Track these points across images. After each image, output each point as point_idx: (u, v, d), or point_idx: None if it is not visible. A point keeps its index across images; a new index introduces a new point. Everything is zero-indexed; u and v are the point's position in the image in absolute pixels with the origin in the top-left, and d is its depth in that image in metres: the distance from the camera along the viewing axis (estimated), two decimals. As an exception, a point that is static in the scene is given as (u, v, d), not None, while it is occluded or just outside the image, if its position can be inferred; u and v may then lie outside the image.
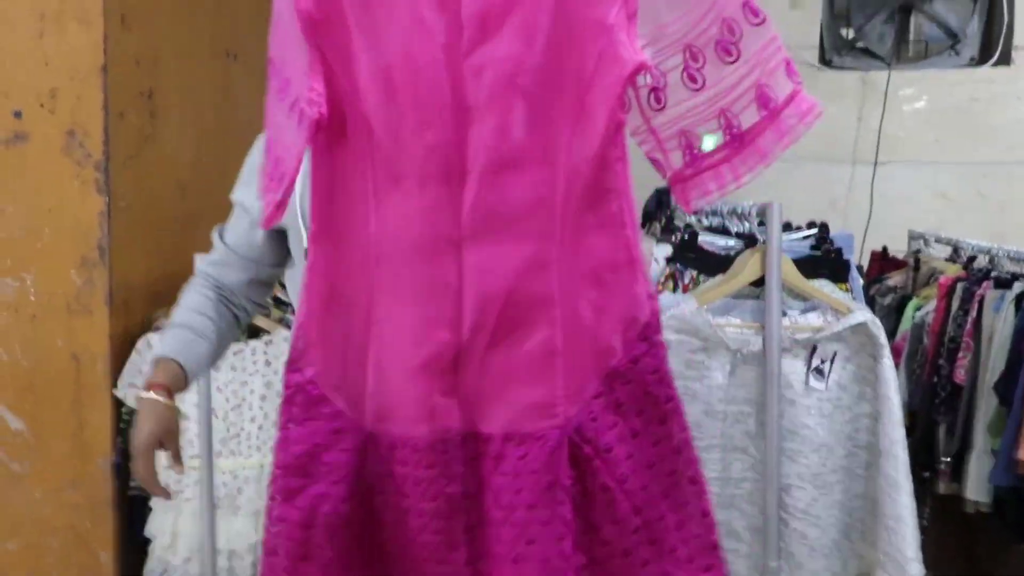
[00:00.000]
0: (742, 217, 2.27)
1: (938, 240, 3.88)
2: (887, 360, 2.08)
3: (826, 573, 2.15)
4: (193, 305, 1.93)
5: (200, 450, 2.58)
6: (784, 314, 2.10)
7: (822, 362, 2.09)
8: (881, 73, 4.79)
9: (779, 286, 2.06)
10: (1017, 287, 2.96)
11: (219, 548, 2.65)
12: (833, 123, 4.81)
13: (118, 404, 2.83)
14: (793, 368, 2.11)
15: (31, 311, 2.83)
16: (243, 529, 2.70)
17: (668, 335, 2.09)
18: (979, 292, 3.08)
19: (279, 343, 2.72)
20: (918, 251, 3.83)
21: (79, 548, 2.85)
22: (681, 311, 2.08)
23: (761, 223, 2.21)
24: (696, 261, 2.27)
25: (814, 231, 2.29)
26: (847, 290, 2.21)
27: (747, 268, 2.11)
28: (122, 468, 2.81)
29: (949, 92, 4.80)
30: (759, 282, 2.11)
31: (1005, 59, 4.76)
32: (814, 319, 2.11)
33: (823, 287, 2.16)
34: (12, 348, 2.84)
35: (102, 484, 2.84)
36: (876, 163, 4.78)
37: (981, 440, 2.93)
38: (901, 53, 4.86)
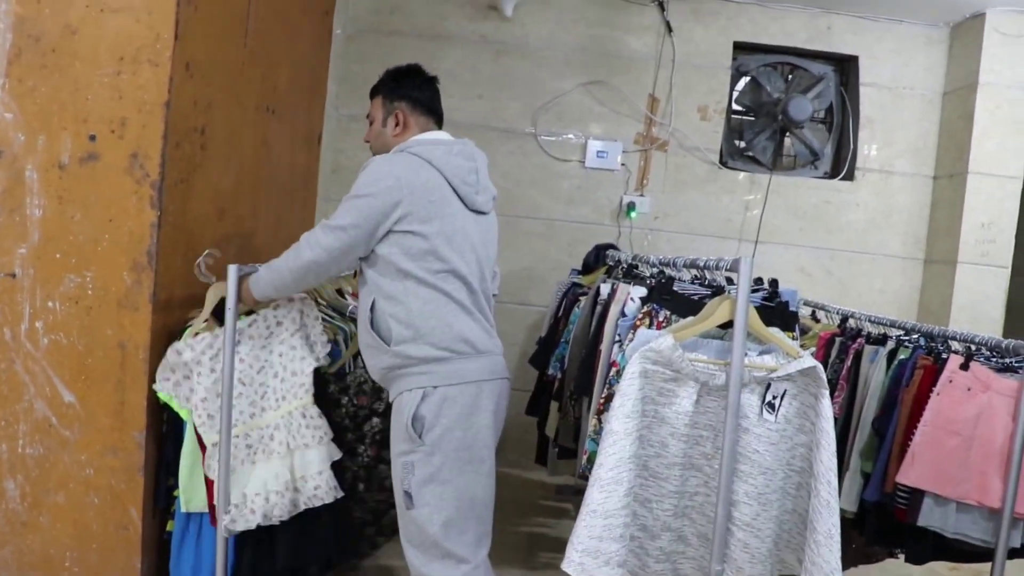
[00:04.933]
0: (706, 268, 1.91)
1: (805, 303, 3.64)
2: (826, 399, 1.75)
3: (760, 577, 1.80)
4: None
5: (222, 420, 2.20)
6: (744, 354, 1.75)
7: (774, 397, 1.75)
8: (763, 176, 4.69)
9: (745, 330, 1.71)
10: (889, 344, 2.69)
11: (257, 491, 2.25)
12: (727, 210, 4.65)
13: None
14: (749, 401, 1.76)
15: (88, 303, 2.38)
16: (278, 470, 2.26)
17: (646, 365, 1.74)
18: (853, 346, 2.81)
19: (285, 304, 2.35)
20: (787, 311, 3.56)
21: (114, 505, 2.42)
22: (659, 344, 1.73)
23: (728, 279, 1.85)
24: (670, 303, 1.91)
25: (764, 286, 1.95)
26: (794, 337, 1.87)
27: (717, 312, 1.77)
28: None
29: (810, 195, 4.78)
30: (723, 324, 1.76)
31: (849, 175, 4.82)
32: (769, 360, 1.77)
33: (775, 334, 1.82)
34: (71, 334, 2.39)
35: (136, 453, 2.41)
36: (756, 242, 4.65)
37: (854, 462, 2.62)
38: (777, 163, 4.81)
